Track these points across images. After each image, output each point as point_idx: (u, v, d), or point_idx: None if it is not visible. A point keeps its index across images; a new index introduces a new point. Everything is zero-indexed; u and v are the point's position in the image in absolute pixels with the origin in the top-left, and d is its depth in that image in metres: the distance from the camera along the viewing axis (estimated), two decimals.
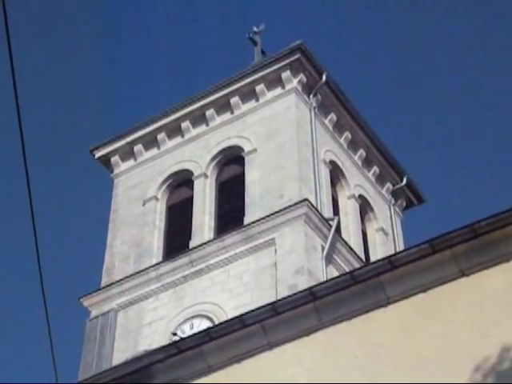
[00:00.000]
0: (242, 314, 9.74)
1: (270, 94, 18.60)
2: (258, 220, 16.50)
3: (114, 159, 20.03)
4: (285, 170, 17.24)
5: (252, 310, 9.81)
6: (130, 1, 43.94)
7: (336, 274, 15.65)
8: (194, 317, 16.08)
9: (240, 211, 17.27)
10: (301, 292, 9.69)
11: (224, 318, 14.33)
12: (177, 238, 18.04)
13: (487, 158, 39.49)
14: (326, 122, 19.03)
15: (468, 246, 8.96)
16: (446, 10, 41.54)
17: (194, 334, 10.08)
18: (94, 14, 43.18)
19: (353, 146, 19.67)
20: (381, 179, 20.42)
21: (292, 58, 18.32)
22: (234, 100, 18.85)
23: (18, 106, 7.36)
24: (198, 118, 19.25)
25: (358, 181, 19.42)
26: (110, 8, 44.49)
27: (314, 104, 18.59)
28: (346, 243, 17.20)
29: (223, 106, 19.02)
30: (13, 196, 37.87)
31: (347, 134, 19.45)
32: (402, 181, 20.61)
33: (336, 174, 18.75)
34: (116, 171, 20.04)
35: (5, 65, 7.19)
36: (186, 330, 15.61)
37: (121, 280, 17.63)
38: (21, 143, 7.62)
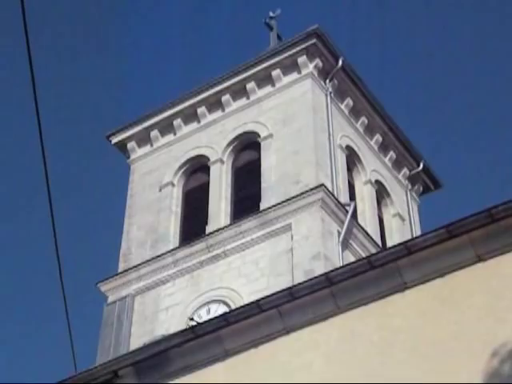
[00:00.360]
0: (259, 299, 9.75)
1: (285, 79, 18.57)
2: (275, 205, 16.51)
3: (131, 145, 20.08)
4: (301, 155, 17.22)
5: (269, 295, 9.82)
6: None
7: (352, 259, 15.65)
8: (210, 302, 16.14)
9: (256, 197, 17.28)
10: (317, 277, 9.69)
11: (240, 304, 14.35)
12: (193, 224, 18.09)
13: (504, 143, 39.30)
14: (342, 106, 18.98)
15: (485, 231, 8.91)
16: None
17: (211, 319, 10.10)
18: (111, 3, 43.18)
19: (369, 131, 19.62)
20: (397, 164, 20.36)
21: (308, 43, 18.27)
22: (250, 85, 18.82)
23: (35, 94, 7.40)
24: (214, 104, 19.25)
25: (375, 166, 19.38)
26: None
27: (330, 89, 18.53)
28: (362, 228, 17.19)
29: (239, 92, 19.01)
30: (31, 183, 38.08)
31: (363, 119, 19.40)
32: (418, 166, 20.55)
33: (352, 160, 18.72)
34: (132, 157, 20.10)
35: (22, 53, 7.22)
36: (203, 315, 15.68)
37: (138, 265, 17.71)
38: (38, 130, 7.66)
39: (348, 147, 18.51)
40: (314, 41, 18.23)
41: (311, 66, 18.35)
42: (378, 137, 19.74)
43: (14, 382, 25.98)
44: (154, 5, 43.44)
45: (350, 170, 18.58)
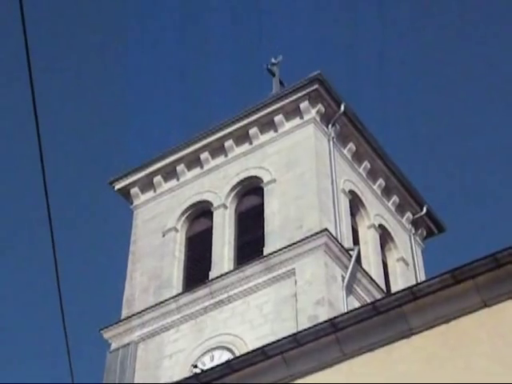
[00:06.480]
0: (264, 346, 9.67)
1: (288, 125, 18.65)
2: (278, 250, 16.46)
3: (134, 191, 20.10)
4: (304, 200, 17.22)
5: (274, 342, 9.74)
6: (149, 33, 44.36)
7: (357, 304, 15.56)
8: (214, 348, 16.01)
9: (260, 242, 17.25)
10: (322, 323, 9.63)
11: (244, 350, 14.25)
12: (197, 269, 18.03)
13: (508, 187, 39.30)
14: (345, 151, 19.03)
15: (490, 276, 8.87)
16: (465, 34, 41.60)
17: (215, 366, 10.01)
18: (113, 48, 43.59)
19: (372, 175, 19.64)
20: (400, 208, 20.35)
21: (310, 89, 18.38)
22: (253, 131, 18.91)
23: (39, 139, 7.41)
24: (217, 149, 19.31)
25: (378, 210, 19.37)
26: (128, 41, 44.95)
27: (333, 134, 18.61)
28: (366, 273, 17.12)
29: (242, 137, 19.08)
30: (34, 229, 38.04)
31: (366, 164, 19.43)
32: (421, 210, 20.53)
33: (355, 204, 18.71)
34: (135, 203, 20.10)
35: (26, 97, 7.25)
36: (207, 362, 15.54)
37: (141, 312, 17.61)
38: (42, 176, 7.67)
39: (351, 191, 18.53)
40: (316, 86, 18.34)
41: (313, 112, 18.43)
42: (380, 181, 19.76)
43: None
44: (157, 51, 43.88)
45: (353, 214, 18.57)
